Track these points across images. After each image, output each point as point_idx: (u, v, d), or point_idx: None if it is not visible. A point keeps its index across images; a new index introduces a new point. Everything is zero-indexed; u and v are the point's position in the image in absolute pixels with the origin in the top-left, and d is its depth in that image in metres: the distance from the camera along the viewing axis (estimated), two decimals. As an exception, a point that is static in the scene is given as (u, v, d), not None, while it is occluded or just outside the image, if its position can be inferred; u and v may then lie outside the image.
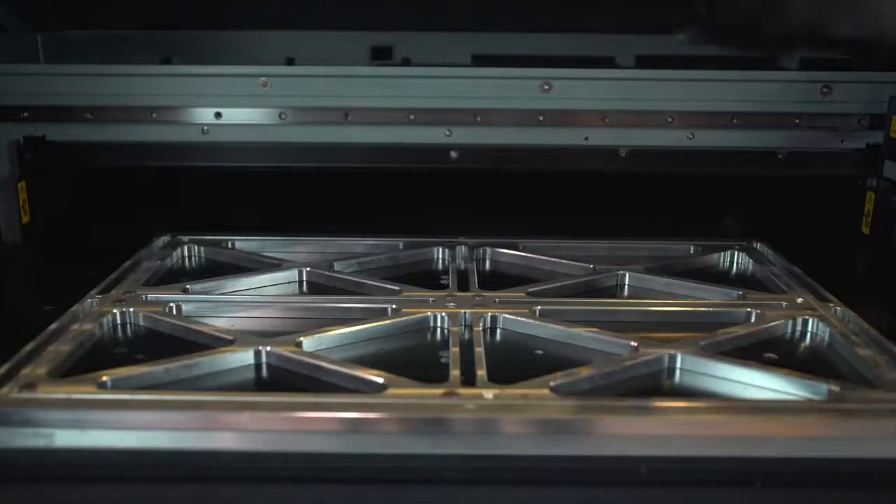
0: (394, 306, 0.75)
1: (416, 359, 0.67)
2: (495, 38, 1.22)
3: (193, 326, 0.71)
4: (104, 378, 0.59)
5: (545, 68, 1.03)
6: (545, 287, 0.81)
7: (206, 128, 1.03)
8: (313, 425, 0.54)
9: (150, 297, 0.77)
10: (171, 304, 0.75)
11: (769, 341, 0.72)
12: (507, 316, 0.73)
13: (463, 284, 0.81)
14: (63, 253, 1.00)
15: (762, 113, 1.04)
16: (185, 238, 0.97)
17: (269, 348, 0.65)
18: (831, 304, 0.76)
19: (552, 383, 0.59)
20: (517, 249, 0.95)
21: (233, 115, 1.02)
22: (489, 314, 0.73)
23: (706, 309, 0.76)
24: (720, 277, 0.89)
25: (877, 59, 1.02)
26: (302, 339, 0.66)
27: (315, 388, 0.61)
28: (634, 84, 1.03)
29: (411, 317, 0.73)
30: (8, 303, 0.83)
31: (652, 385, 0.63)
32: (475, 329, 0.70)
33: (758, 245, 0.96)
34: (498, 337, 0.72)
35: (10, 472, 0.53)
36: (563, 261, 0.91)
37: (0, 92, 1.01)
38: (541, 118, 1.03)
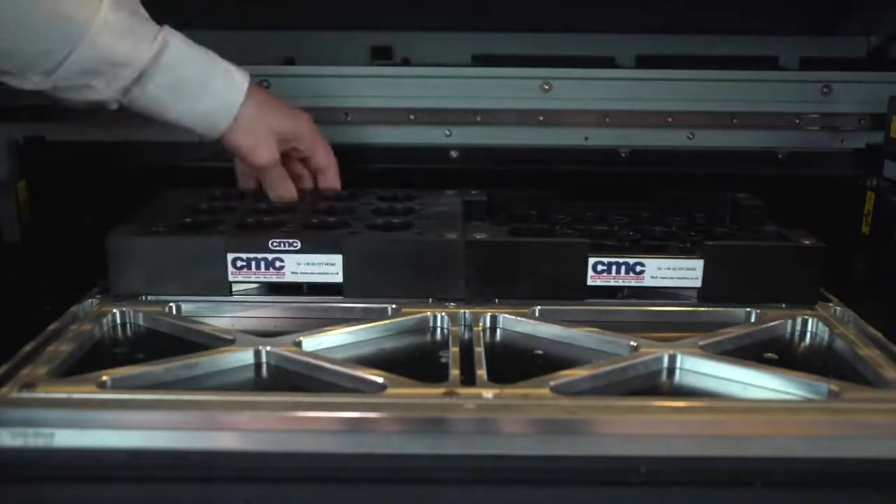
0: (394, 306, 0.75)
1: (416, 359, 0.67)
2: (495, 38, 1.22)
3: (193, 326, 0.71)
4: (104, 378, 0.59)
5: (545, 68, 1.03)
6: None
7: (206, 128, 1.02)
8: (313, 425, 0.54)
9: (150, 296, 0.76)
10: (171, 304, 0.75)
11: (769, 341, 0.71)
12: (507, 316, 0.73)
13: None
14: (63, 253, 1.00)
15: (762, 113, 1.04)
16: (185, 238, 0.97)
17: (269, 348, 0.65)
18: (831, 304, 0.76)
19: (552, 383, 0.58)
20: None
21: (233, 114, 1.02)
22: (489, 314, 0.73)
23: (706, 309, 0.76)
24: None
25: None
26: (302, 339, 0.66)
27: (315, 388, 0.61)
28: (634, 84, 1.03)
29: (411, 317, 0.73)
30: (8, 303, 0.83)
31: (652, 385, 0.63)
32: (475, 329, 0.70)
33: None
34: (498, 337, 0.72)
35: (10, 472, 0.53)
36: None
37: (0, 92, 1.01)
38: (541, 118, 1.03)
